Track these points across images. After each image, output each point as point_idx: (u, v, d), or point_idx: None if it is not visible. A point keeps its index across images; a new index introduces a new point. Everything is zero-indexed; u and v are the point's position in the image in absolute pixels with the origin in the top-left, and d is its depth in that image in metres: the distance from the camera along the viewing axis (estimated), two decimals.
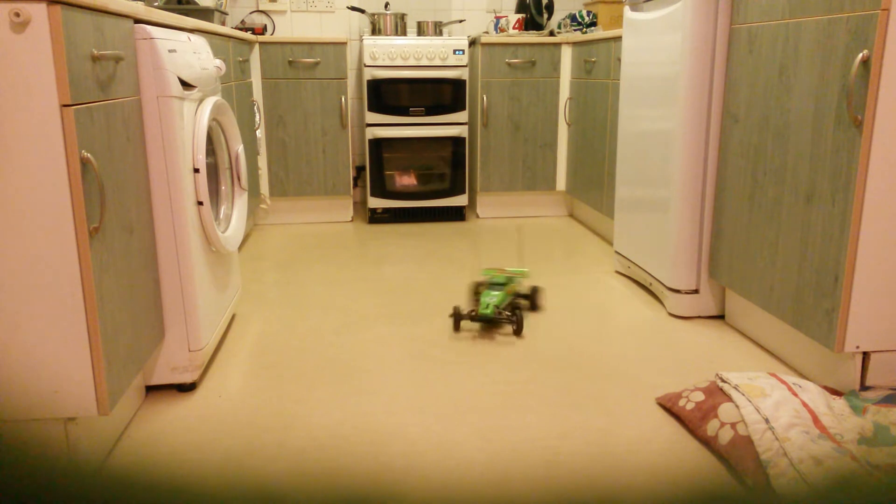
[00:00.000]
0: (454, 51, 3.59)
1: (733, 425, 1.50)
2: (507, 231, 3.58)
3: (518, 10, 3.97)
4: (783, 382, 1.60)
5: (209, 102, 1.94)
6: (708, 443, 1.55)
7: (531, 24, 3.89)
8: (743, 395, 1.55)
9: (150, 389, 1.83)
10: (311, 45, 3.52)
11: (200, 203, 1.83)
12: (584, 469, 1.48)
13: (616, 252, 2.84)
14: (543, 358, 2.03)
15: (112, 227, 1.45)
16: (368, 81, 3.56)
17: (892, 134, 1.57)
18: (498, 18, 3.79)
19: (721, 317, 2.35)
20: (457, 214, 3.83)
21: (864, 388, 1.72)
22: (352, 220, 3.84)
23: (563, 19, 3.91)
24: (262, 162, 3.60)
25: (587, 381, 1.88)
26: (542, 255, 3.11)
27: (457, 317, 2.22)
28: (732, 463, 1.46)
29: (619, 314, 2.38)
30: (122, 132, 1.53)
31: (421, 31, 3.78)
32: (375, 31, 3.73)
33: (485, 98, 3.67)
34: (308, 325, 2.30)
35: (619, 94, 2.79)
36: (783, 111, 1.86)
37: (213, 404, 1.77)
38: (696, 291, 2.33)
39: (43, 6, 1.23)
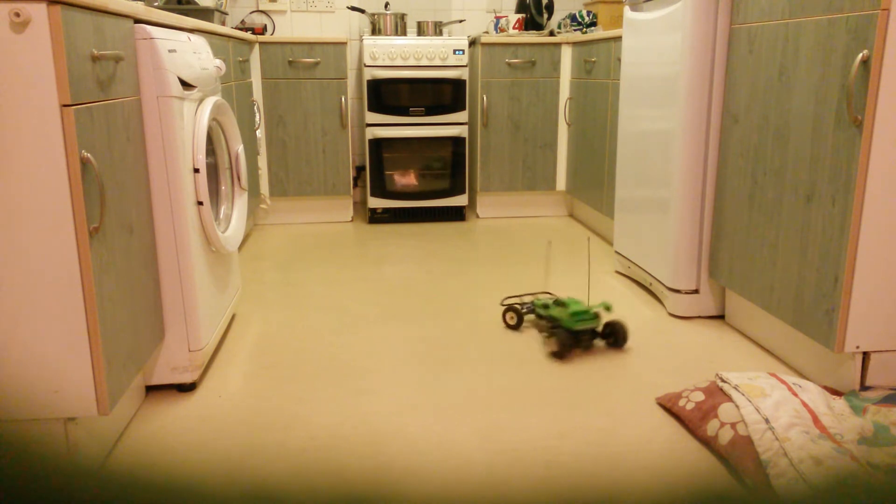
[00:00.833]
0: (454, 51, 3.59)
1: (733, 425, 1.50)
2: (507, 231, 3.58)
3: (518, 10, 3.97)
4: (783, 382, 1.60)
5: (209, 102, 1.94)
6: (708, 443, 1.55)
7: (531, 24, 3.89)
8: (743, 395, 1.55)
9: (150, 389, 1.83)
10: (311, 45, 3.52)
11: (200, 203, 1.83)
12: (584, 469, 1.48)
13: (616, 252, 2.83)
14: (543, 358, 2.03)
15: (112, 227, 1.45)
16: (368, 81, 3.56)
17: (892, 134, 1.57)
18: (498, 18, 3.79)
19: (721, 317, 2.35)
20: (457, 214, 3.83)
21: (864, 388, 1.72)
22: (352, 220, 3.84)
23: (563, 19, 3.91)
24: (262, 162, 3.60)
25: (587, 380, 1.88)
26: (542, 256, 3.11)
27: (516, 313, 2.07)
28: (732, 463, 1.46)
29: (620, 314, 2.38)
30: (122, 132, 1.53)
31: (421, 31, 3.78)
32: (375, 31, 3.73)
33: (485, 98, 3.67)
34: (308, 325, 2.30)
35: (619, 94, 2.79)
36: (783, 111, 1.86)
37: (213, 404, 1.77)
38: (696, 291, 2.33)
39: (43, 6, 1.23)
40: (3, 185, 1.28)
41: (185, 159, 1.75)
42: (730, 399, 1.57)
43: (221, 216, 2.15)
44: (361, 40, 3.84)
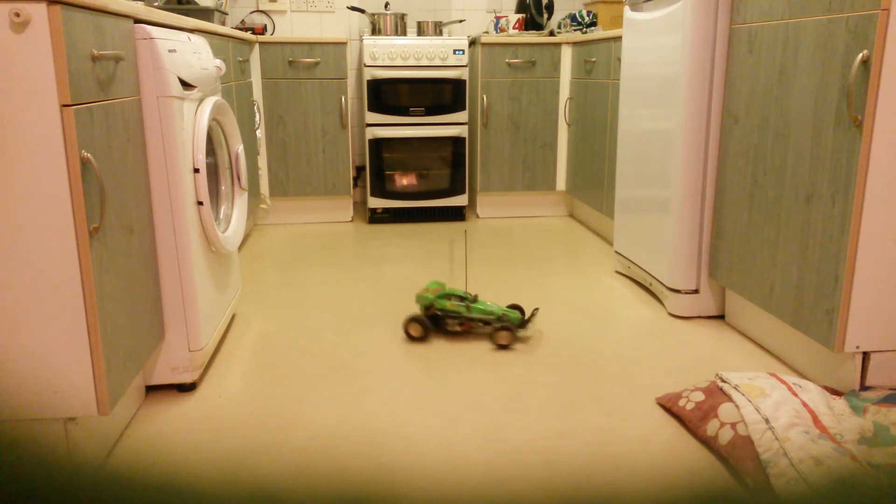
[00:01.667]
0: (454, 51, 3.59)
1: (733, 425, 1.50)
2: (507, 231, 3.58)
3: (518, 10, 3.97)
4: (783, 382, 1.60)
5: (209, 102, 1.94)
6: (708, 443, 1.55)
7: (531, 24, 3.89)
8: (743, 395, 1.55)
9: (150, 389, 1.83)
10: (311, 45, 3.52)
11: (200, 203, 1.83)
12: (584, 469, 1.48)
13: (616, 252, 2.83)
14: (543, 358, 2.03)
15: (112, 227, 1.45)
16: (368, 81, 3.56)
17: (892, 134, 1.57)
18: (498, 18, 3.79)
19: (721, 317, 2.35)
20: (457, 214, 3.83)
21: (864, 388, 1.72)
22: (352, 220, 3.84)
23: (563, 19, 3.91)
24: (262, 162, 3.60)
25: (587, 381, 1.88)
26: (542, 255, 3.11)
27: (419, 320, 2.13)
28: (732, 463, 1.46)
29: (619, 314, 2.38)
30: (122, 132, 1.53)
31: (421, 31, 3.78)
32: (375, 31, 3.73)
33: (485, 98, 3.67)
34: (308, 324, 2.30)
35: (619, 94, 2.79)
36: (783, 111, 1.86)
37: (213, 404, 1.77)
38: (696, 291, 2.33)
39: (43, 6, 1.23)
40: (3, 185, 1.28)
41: (185, 159, 1.75)
42: (730, 399, 1.57)
43: (221, 216, 2.15)
44: (361, 40, 3.84)
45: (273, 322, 2.32)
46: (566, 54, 3.65)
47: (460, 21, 4.02)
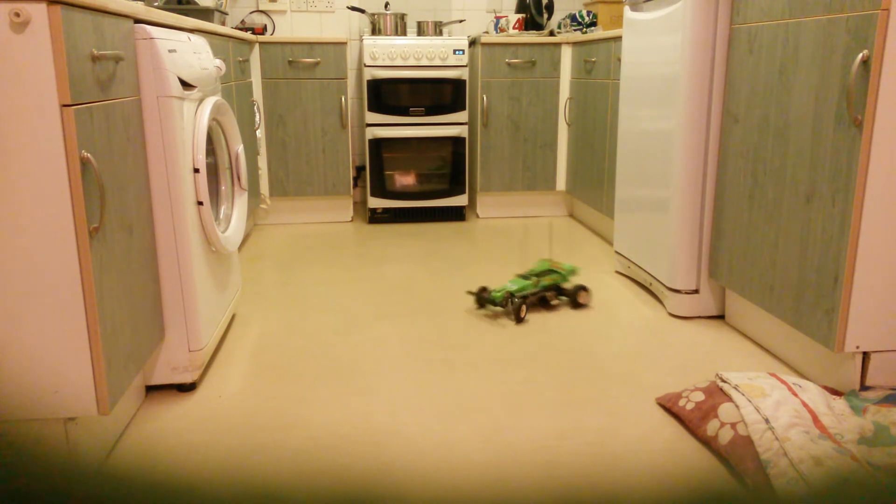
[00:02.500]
0: (454, 51, 3.59)
1: (733, 425, 1.50)
2: (507, 231, 3.58)
3: (518, 10, 3.97)
4: (783, 382, 1.60)
5: (209, 102, 1.94)
6: (708, 443, 1.55)
7: (531, 24, 3.89)
8: (743, 395, 1.55)
9: (150, 389, 1.83)
10: (311, 45, 3.52)
11: (200, 203, 1.83)
12: (584, 469, 1.48)
13: (616, 252, 2.83)
14: (543, 358, 2.03)
15: (112, 227, 1.45)
16: (368, 81, 3.56)
17: (892, 134, 1.57)
18: (498, 18, 3.79)
19: (721, 317, 2.35)
20: (457, 214, 3.83)
21: (864, 388, 1.72)
22: (352, 220, 3.84)
23: (563, 19, 3.91)
24: (262, 162, 3.60)
25: (587, 381, 1.88)
26: (542, 255, 3.11)
27: (478, 296, 2.40)
28: (732, 463, 1.46)
29: (619, 314, 2.38)
30: (122, 132, 1.53)
31: (421, 31, 3.78)
32: (375, 31, 3.73)
33: (485, 98, 3.67)
34: (308, 325, 2.30)
35: (619, 94, 2.79)
36: (783, 111, 1.86)
37: (213, 404, 1.77)
38: (696, 291, 2.33)
39: (43, 6, 1.23)
40: (3, 185, 1.28)
41: (185, 159, 1.75)
42: (730, 399, 1.57)
43: (221, 216, 2.15)
44: (361, 40, 3.84)
45: (273, 322, 2.32)
46: (566, 54, 3.65)
47: (460, 21, 4.02)
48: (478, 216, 3.90)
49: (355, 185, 4.24)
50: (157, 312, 1.74)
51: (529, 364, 1.99)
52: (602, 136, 3.24)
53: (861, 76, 1.56)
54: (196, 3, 3.32)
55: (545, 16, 3.91)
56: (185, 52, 1.82)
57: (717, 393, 1.62)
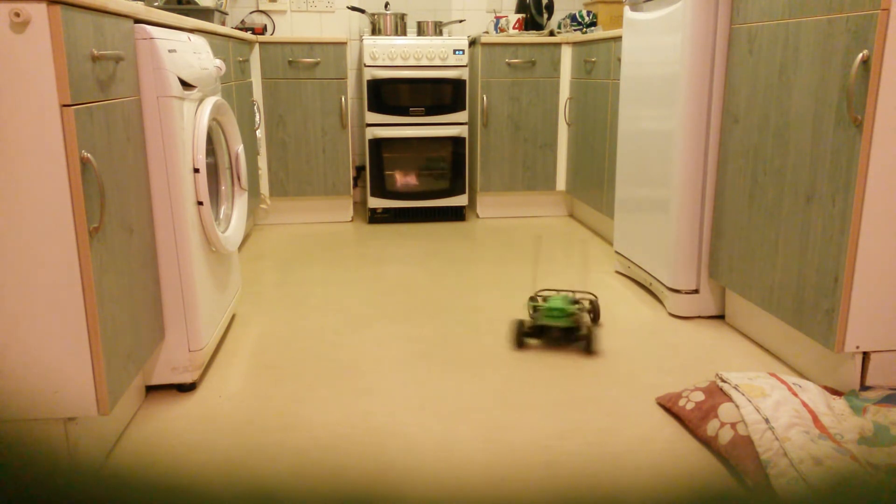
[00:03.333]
0: (454, 51, 3.59)
1: (733, 425, 1.50)
2: (507, 231, 3.58)
3: (518, 10, 3.97)
4: (783, 382, 1.60)
5: (209, 102, 1.94)
6: (708, 443, 1.55)
7: (531, 24, 3.89)
8: (743, 395, 1.55)
9: (150, 389, 1.83)
10: (311, 45, 3.52)
11: (200, 203, 1.83)
12: (584, 469, 1.48)
13: (616, 252, 2.83)
14: (543, 358, 2.03)
15: (112, 227, 1.45)
16: (368, 81, 3.56)
17: (892, 134, 1.57)
18: (498, 18, 3.79)
19: (721, 317, 2.35)
20: (457, 214, 3.83)
21: (864, 388, 1.72)
22: (352, 220, 3.84)
23: (563, 19, 3.91)
24: (262, 162, 3.60)
25: (587, 381, 1.88)
26: (542, 255, 3.11)
27: (521, 332, 2.09)
28: (732, 463, 1.46)
29: (619, 314, 2.38)
30: (122, 132, 1.53)
31: (421, 31, 3.78)
32: (375, 31, 3.73)
33: (485, 98, 3.67)
34: (308, 325, 2.30)
35: (619, 94, 2.79)
36: (783, 111, 1.86)
37: (213, 404, 1.77)
38: (696, 291, 2.33)
39: (43, 6, 1.23)
40: (3, 185, 1.28)
41: (185, 159, 1.75)
42: (730, 399, 1.57)
43: (221, 216, 2.15)
44: (361, 40, 3.84)
45: (273, 322, 2.32)
46: (566, 54, 3.65)
47: (460, 21, 4.02)
48: (478, 216, 3.90)
49: (355, 185, 4.24)
50: (157, 312, 1.74)
51: (529, 364, 1.99)
52: (602, 136, 3.23)
53: (861, 76, 1.56)
54: (196, 3, 3.32)
55: (545, 16, 3.91)
56: (185, 52, 1.82)
57: (717, 393, 1.62)
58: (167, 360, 1.80)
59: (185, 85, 1.78)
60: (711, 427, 1.54)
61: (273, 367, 1.98)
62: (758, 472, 1.38)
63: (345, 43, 3.54)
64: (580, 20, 3.77)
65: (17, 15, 1.22)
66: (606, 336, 2.19)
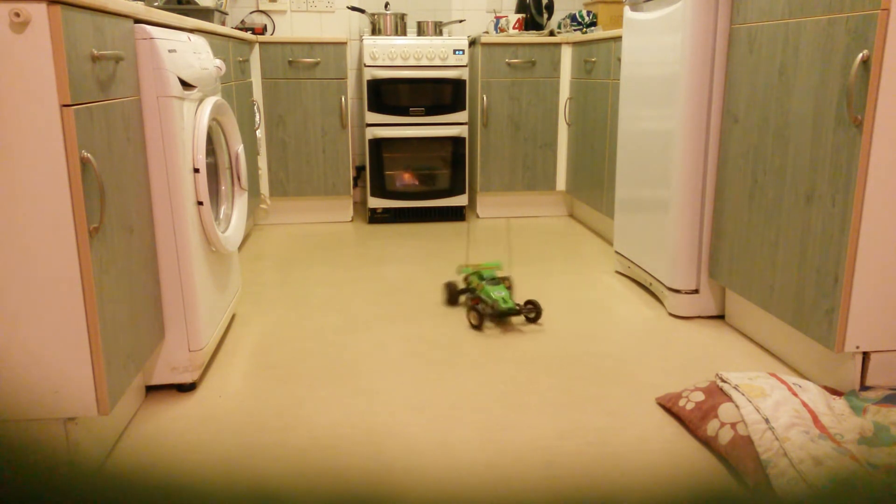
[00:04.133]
0: (454, 51, 3.59)
1: (733, 425, 1.50)
2: (506, 231, 3.58)
3: (518, 10, 3.97)
4: (783, 382, 1.60)
5: (209, 102, 1.94)
6: (708, 443, 1.55)
7: (531, 24, 3.89)
8: (743, 395, 1.55)
9: (150, 389, 1.83)
10: (311, 45, 3.52)
11: (200, 203, 1.83)
12: (584, 469, 1.48)
13: (616, 252, 2.83)
14: (543, 358, 2.03)
15: (112, 227, 1.45)
16: (368, 81, 3.56)
17: (892, 134, 1.57)
18: (498, 18, 3.79)
19: (721, 317, 2.35)
20: (457, 214, 3.83)
21: (864, 388, 1.72)
22: (352, 220, 3.84)
23: (563, 19, 3.91)
24: (262, 162, 3.60)
25: (587, 381, 1.88)
26: (542, 255, 3.11)
27: (452, 293, 2.44)
28: (732, 463, 1.46)
29: (619, 314, 2.38)
30: (122, 132, 1.53)
31: (421, 31, 3.78)
32: (375, 31, 3.73)
33: (485, 98, 3.67)
34: (308, 325, 2.30)
35: (619, 94, 2.79)
36: (783, 111, 1.86)
37: (213, 404, 1.77)
38: (696, 291, 2.33)
39: (43, 6, 1.23)
40: (3, 185, 1.28)
41: (185, 159, 1.75)
42: (730, 399, 1.57)
43: (221, 216, 2.15)
44: (361, 40, 3.84)
45: (273, 322, 2.32)
46: (566, 54, 3.65)
47: (460, 21, 4.02)
48: (478, 216, 3.90)
49: (355, 185, 4.24)
50: (157, 312, 1.74)
51: (529, 364, 1.99)
52: (602, 136, 3.23)
53: (861, 76, 1.56)
54: (196, 3, 3.32)
55: (545, 16, 3.91)
56: (185, 52, 1.82)
57: (717, 393, 1.62)
58: (167, 360, 1.80)
59: (185, 85, 1.78)
60: (711, 427, 1.54)
61: (273, 367, 1.98)
62: (758, 472, 1.38)
63: (345, 43, 3.54)
64: (580, 20, 3.77)
65: (18, 15, 1.22)
66: (606, 336, 2.19)
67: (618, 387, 1.85)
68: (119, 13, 1.52)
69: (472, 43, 3.80)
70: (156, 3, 3.15)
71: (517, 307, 2.26)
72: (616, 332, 2.22)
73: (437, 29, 3.78)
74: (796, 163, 1.81)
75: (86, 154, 1.32)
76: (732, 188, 2.12)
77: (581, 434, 1.61)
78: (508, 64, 3.64)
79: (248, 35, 3.23)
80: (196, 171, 1.80)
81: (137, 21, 1.65)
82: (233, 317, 2.38)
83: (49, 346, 1.36)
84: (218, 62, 2.13)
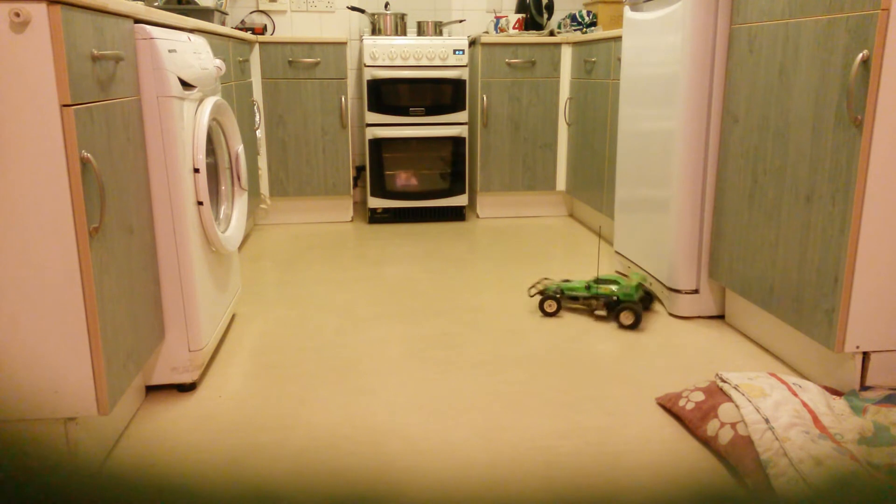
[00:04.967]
0: (454, 51, 3.59)
1: (733, 425, 1.50)
2: (507, 231, 3.58)
3: (518, 10, 3.97)
4: (783, 382, 1.60)
5: (209, 102, 1.94)
6: (708, 443, 1.55)
7: (531, 24, 3.89)
8: (743, 395, 1.55)
9: (150, 389, 1.83)
10: (311, 45, 3.52)
11: (200, 203, 1.83)
12: (584, 469, 1.48)
13: (616, 252, 2.83)
14: (543, 358, 2.03)
15: (112, 227, 1.45)
16: (368, 81, 3.56)
17: (892, 134, 1.57)
18: (498, 18, 3.79)
19: (721, 317, 2.35)
20: (457, 214, 3.83)
21: (864, 388, 1.72)
22: (352, 220, 3.84)
23: (563, 19, 3.91)
24: (262, 162, 3.60)
25: (587, 381, 1.88)
26: (542, 255, 3.11)
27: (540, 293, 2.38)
28: (732, 463, 1.46)
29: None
30: (122, 132, 1.53)
31: (421, 31, 3.78)
32: (375, 31, 3.73)
33: (485, 98, 3.67)
34: (308, 324, 2.30)
35: (619, 94, 2.79)
36: (783, 111, 1.86)
37: (213, 404, 1.77)
38: (696, 291, 2.33)
39: (43, 6, 1.23)
40: (3, 185, 1.28)
41: (185, 159, 1.75)
42: (730, 399, 1.57)
43: (221, 216, 2.15)
44: (361, 40, 3.84)
45: (273, 322, 2.32)
46: (566, 54, 3.65)
47: (460, 21, 4.02)
48: (478, 216, 3.90)
49: (355, 185, 4.24)
50: (157, 312, 1.74)
51: (529, 364, 1.99)
52: (602, 136, 3.23)
53: (861, 76, 1.56)
54: (196, 3, 3.32)
55: (545, 16, 3.91)
56: (185, 52, 1.82)
57: (717, 393, 1.62)
58: (167, 360, 1.80)
59: (185, 85, 1.78)
60: (711, 427, 1.54)
61: (273, 367, 1.98)
62: (758, 472, 1.38)
63: (345, 43, 3.54)
64: (580, 20, 3.77)
65: (18, 15, 1.22)
66: (606, 336, 2.19)
67: (618, 387, 1.85)
68: (119, 13, 1.52)
69: (472, 43, 3.80)
70: (156, 3, 3.15)
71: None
72: (616, 332, 2.22)
73: (437, 29, 3.78)
74: (796, 163, 1.81)
75: (86, 154, 1.32)
76: (732, 188, 2.12)
77: (581, 434, 1.61)
78: (508, 64, 3.64)
79: (248, 35, 3.23)
80: (196, 171, 1.80)
81: (137, 21, 1.65)
82: (233, 317, 2.38)
83: (49, 346, 1.36)
84: (218, 62, 2.13)
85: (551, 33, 3.75)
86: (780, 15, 1.86)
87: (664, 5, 2.35)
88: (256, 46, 3.49)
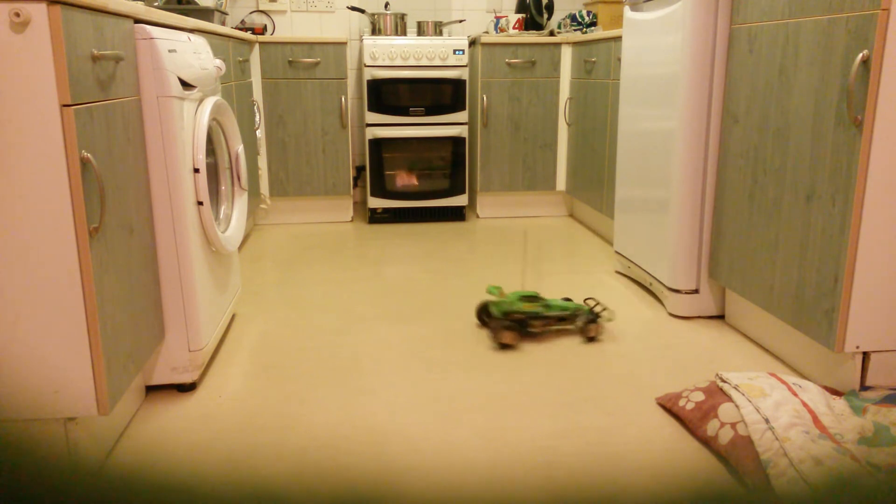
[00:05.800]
0: (454, 51, 3.59)
1: (733, 425, 1.50)
2: (507, 231, 3.58)
3: (518, 10, 3.97)
4: (783, 382, 1.60)
5: (209, 102, 1.94)
6: (708, 443, 1.55)
7: (531, 24, 3.89)
8: (743, 395, 1.55)
9: (150, 389, 1.83)
10: (311, 45, 3.52)
11: (200, 203, 1.83)
12: (584, 469, 1.48)
13: (616, 252, 2.83)
14: (543, 358, 2.03)
15: (112, 227, 1.45)
16: (368, 81, 3.56)
17: (892, 134, 1.57)
18: (498, 18, 3.79)
19: (721, 317, 2.35)
20: (457, 214, 3.83)
21: (864, 388, 1.72)
22: (352, 220, 3.84)
23: (563, 19, 3.91)
24: (262, 162, 3.60)
25: (587, 381, 1.88)
26: (542, 255, 3.11)
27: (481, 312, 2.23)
28: (732, 463, 1.46)
29: (619, 314, 2.38)
30: (122, 132, 1.53)
31: (421, 31, 3.78)
32: (375, 31, 3.73)
33: (485, 98, 3.67)
34: (308, 325, 2.30)
35: (619, 94, 2.79)
36: (783, 111, 1.86)
37: (213, 404, 1.77)
38: (696, 291, 2.33)
39: (43, 6, 1.23)
40: (3, 185, 1.28)
41: (185, 159, 1.75)
42: (730, 399, 1.57)
43: (221, 216, 2.15)
44: (361, 40, 3.84)
45: (273, 322, 2.32)
46: (566, 54, 3.65)
47: (460, 21, 4.02)
48: (478, 216, 3.90)
49: (355, 185, 4.24)
50: (157, 312, 1.74)
51: (529, 364, 1.99)
52: (602, 136, 3.23)
53: (861, 76, 1.56)
54: (196, 3, 3.32)
55: (545, 16, 3.91)
56: (185, 52, 1.82)
57: (717, 393, 1.62)
58: (167, 360, 1.80)
59: (185, 85, 1.78)
60: (711, 427, 1.54)
61: (273, 367, 1.98)
62: (758, 472, 1.38)
63: (345, 43, 3.54)
64: (580, 20, 3.77)
65: (18, 15, 1.22)
66: (606, 336, 2.19)
67: (618, 387, 1.85)
68: (119, 13, 1.52)
69: (472, 43, 3.80)
70: (156, 3, 3.15)
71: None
72: (616, 332, 2.22)
73: (437, 29, 3.78)
74: (796, 163, 1.81)
75: (86, 154, 1.32)
76: (732, 188, 2.12)
77: (581, 434, 1.61)
78: (508, 64, 3.64)
79: (248, 35, 3.23)
80: (196, 171, 1.80)
81: (137, 21, 1.65)
82: (233, 317, 2.38)
83: (49, 347, 1.36)
84: (218, 62, 2.13)
85: (551, 33, 3.75)
86: (780, 15, 1.86)
87: (664, 5, 2.35)
88: (256, 46, 3.49)
